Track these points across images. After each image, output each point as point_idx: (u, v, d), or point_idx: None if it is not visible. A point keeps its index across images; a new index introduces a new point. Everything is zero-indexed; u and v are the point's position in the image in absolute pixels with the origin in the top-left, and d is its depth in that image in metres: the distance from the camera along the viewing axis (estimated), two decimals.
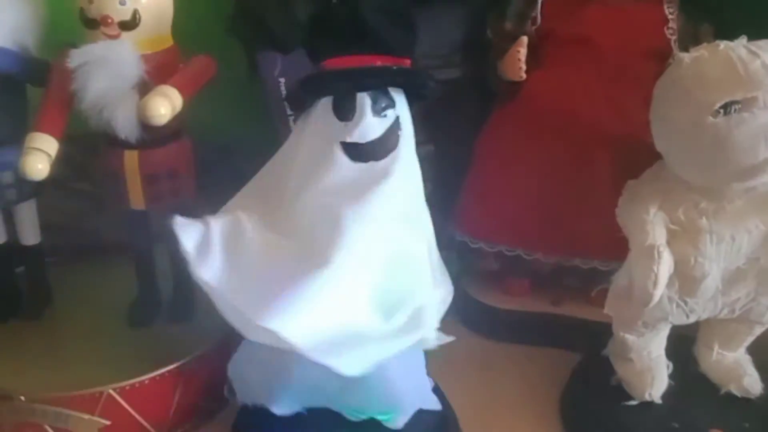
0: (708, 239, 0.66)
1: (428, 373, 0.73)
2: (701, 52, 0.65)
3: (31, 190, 0.79)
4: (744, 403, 0.75)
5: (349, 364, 0.62)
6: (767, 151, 0.62)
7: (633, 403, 0.74)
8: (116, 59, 0.70)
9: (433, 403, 0.72)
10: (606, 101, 0.82)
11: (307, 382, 0.63)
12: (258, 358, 0.66)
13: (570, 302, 0.90)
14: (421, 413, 0.71)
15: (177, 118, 0.72)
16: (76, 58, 0.70)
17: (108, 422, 0.71)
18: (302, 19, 0.81)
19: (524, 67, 0.81)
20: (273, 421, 0.71)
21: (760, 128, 0.62)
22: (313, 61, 0.67)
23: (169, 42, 0.76)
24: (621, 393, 0.75)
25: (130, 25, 0.71)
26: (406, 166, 0.67)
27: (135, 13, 0.71)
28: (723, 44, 0.64)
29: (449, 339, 0.69)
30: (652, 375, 0.74)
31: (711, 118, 0.62)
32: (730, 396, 0.75)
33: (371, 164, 0.66)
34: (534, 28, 0.85)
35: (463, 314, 0.92)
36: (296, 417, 0.71)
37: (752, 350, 0.77)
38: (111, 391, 0.71)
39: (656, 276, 0.65)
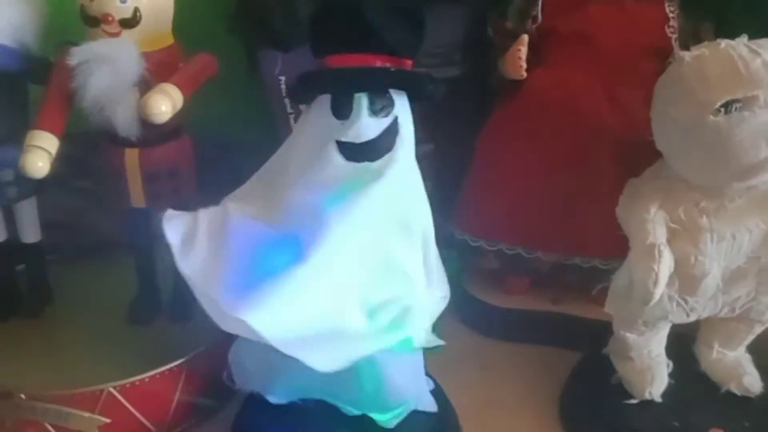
0: (708, 238, 0.66)
1: (428, 373, 0.73)
2: (702, 50, 0.65)
3: (31, 188, 0.79)
4: (744, 401, 0.75)
5: (321, 360, 0.63)
6: None
7: (633, 401, 0.74)
8: (117, 57, 0.70)
9: (430, 405, 0.72)
10: (607, 100, 0.82)
11: (304, 372, 0.63)
12: (257, 346, 0.66)
13: (570, 301, 0.90)
14: (420, 412, 0.71)
15: (178, 116, 0.72)
16: (76, 55, 0.70)
17: (108, 420, 0.71)
18: (303, 18, 0.81)
19: (525, 65, 0.81)
20: (273, 420, 0.71)
21: (760, 127, 0.62)
22: (314, 56, 0.67)
23: (170, 40, 0.76)
24: (621, 392, 0.75)
25: (130, 22, 0.71)
26: (401, 169, 0.66)
27: (136, 10, 0.71)
28: (724, 43, 0.64)
29: (439, 342, 0.69)
30: (652, 374, 0.74)
31: (712, 117, 0.62)
32: (730, 395, 0.75)
33: (365, 165, 0.66)
34: (535, 26, 0.85)
35: (462, 313, 0.92)
36: (295, 415, 0.71)
37: (752, 349, 0.77)
38: (111, 389, 0.71)
39: (657, 275, 0.65)
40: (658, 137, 0.68)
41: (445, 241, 0.76)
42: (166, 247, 0.67)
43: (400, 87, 0.66)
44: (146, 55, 0.71)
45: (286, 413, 0.71)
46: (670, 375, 0.75)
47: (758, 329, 0.74)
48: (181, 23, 0.76)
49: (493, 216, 0.86)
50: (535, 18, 0.85)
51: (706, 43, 0.66)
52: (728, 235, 0.67)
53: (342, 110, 0.65)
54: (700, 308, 0.70)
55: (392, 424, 0.69)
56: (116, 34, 0.71)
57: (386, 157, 0.66)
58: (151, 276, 0.82)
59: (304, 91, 0.69)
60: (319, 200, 0.64)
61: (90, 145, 0.77)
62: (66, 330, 0.82)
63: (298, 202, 0.65)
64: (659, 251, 0.65)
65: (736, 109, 0.62)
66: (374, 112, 0.65)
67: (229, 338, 0.70)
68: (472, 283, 0.93)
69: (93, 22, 0.71)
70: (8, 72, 0.75)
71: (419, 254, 0.68)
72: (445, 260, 0.73)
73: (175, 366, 0.74)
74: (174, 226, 0.68)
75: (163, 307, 0.83)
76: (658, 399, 0.74)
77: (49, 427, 0.71)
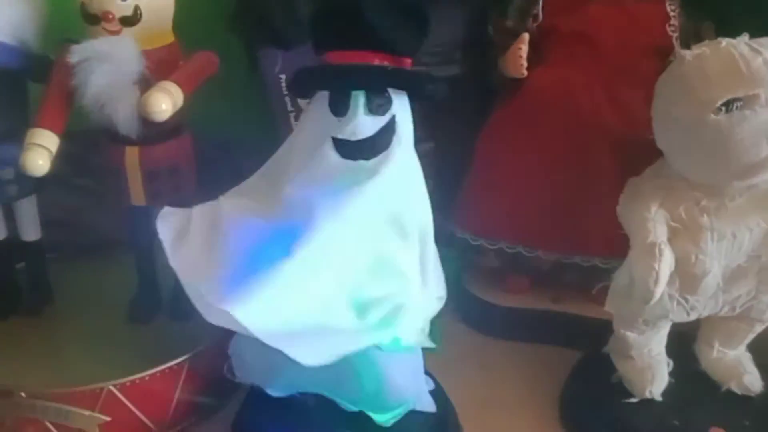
0: (709, 237, 0.66)
1: (428, 373, 0.73)
2: (703, 49, 0.65)
3: (31, 186, 0.79)
4: (744, 401, 0.75)
5: (307, 354, 0.63)
6: None
7: (633, 400, 0.75)
8: (117, 55, 0.70)
9: (429, 406, 0.71)
10: (607, 98, 0.82)
11: (303, 367, 0.63)
12: (257, 339, 0.66)
13: (570, 300, 0.89)
14: (420, 411, 0.71)
15: (178, 114, 0.71)
16: (77, 53, 0.70)
17: (108, 418, 0.71)
18: (303, 16, 0.81)
19: (525, 64, 0.81)
20: (273, 417, 0.71)
21: (761, 126, 0.62)
22: (315, 52, 0.67)
23: (171, 38, 0.76)
24: (621, 390, 0.75)
25: (131, 20, 0.71)
26: (397, 168, 0.66)
27: (136, 8, 0.71)
28: (725, 41, 0.64)
29: (430, 344, 0.69)
30: (652, 372, 0.74)
31: (713, 116, 0.62)
32: (730, 394, 0.75)
33: (360, 163, 0.65)
34: (535, 24, 0.85)
35: (463, 311, 0.92)
36: (296, 412, 0.71)
37: (753, 348, 0.77)
38: (111, 388, 0.71)
39: (657, 273, 0.64)
40: (659, 136, 0.68)
41: (445, 239, 0.76)
42: None
43: (397, 86, 0.66)
44: (146, 53, 0.71)
45: (287, 410, 0.71)
46: (671, 374, 0.75)
47: (759, 328, 0.74)
48: (182, 21, 0.76)
49: (494, 215, 0.86)
50: (535, 16, 0.85)
51: (707, 41, 0.66)
52: (729, 234, 0.67)
53: (339, 107, 0.65)
54: (701, 307, 0.70)
55: (389, 423, 0.69)
56: (116, 32, 0.71)
57: (382, 155, 0.65)
58: (151, 274, 0.82)
59: (301, 86, 0.69)
60: (312, 196, 0.64)
61: (90, 143, 0.77)
62: (66, 328, 0.82)
63: (291, 197, 0.65)
64: (660, 250, 0.65)
65: (737, 107, 0.62)
66: (371, 110, 0.65)
67: (229, 336, 0.70)
68: (473, 282, 0.93)
69: (93, 19, 0.71)
70: (8, 70, 0.74)
71: (414, 254, 0.68)
72: (445, 259, 0.73)
73: (176, 364, 0.74)
74: (167, 223, 0.68)
75: (164, 305, 0.82)
76: (658, 398, 0.74)
77: (50, 426, 0.71)
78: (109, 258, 0.90)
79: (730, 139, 0.62)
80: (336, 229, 0.63)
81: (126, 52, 0.71)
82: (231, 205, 0.69)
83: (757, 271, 0.69)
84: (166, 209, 0.70)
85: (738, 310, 0.71)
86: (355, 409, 0.69)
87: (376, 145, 0.65)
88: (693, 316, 0.71)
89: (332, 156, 0.65)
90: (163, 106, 0.69)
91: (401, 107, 0.67)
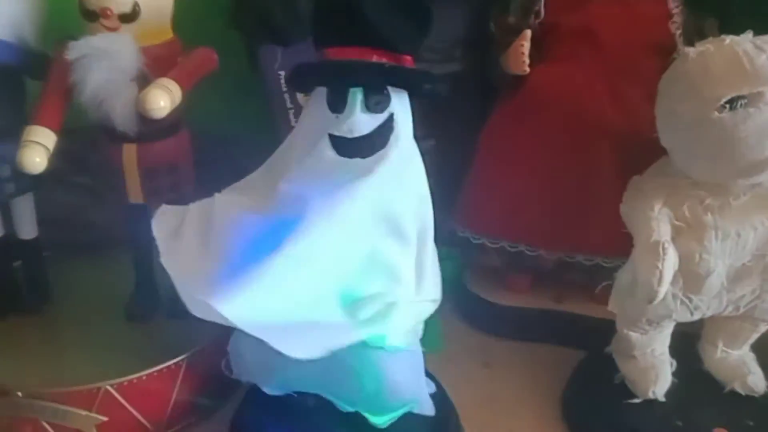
0: (713, 236, 0.66)
1: (429, 374, 0.72)
2: (707, 46, 0.65)
3: (28, 184, 0.78)
4: (748, 401, 0.75)
5: (294, 347, 0.62)
6: None
7: (636, 401, 0.74)
8: (115, 52, 0.70)
9: (429, 409, 0.71)
10: (610, 96, 0.81)
11: (300, 365, 0.63)
12: (255, 337, 0.66)
13: (572, 299, 0.89)
14: None
15: (176, 111, 0.71)
16: (75, 50, 0.70)
17: (105, 418, 0.71)
18: (303, 13, 0.81)
19: (528, 61, 0.81)
20: (272, 416, 0.71)
21: (766, 123, 0.62)
22: (315, 48, 0.66)
23: (169, 34, 0.75)
24: (624, 391, 0.75)
25: (129, 17, 0.71)
26: (393, 167, 0.65)
27: (135, 5, 0.71)
28: (729, 39, 0.64)
29: (417, 349, 0.69)
30: (655, 373, 0.74)
31: (716, 114, 0.62)
32: (734, 394, 0.75)
33: (356, 161, 0.65)
34: (537, 21, 0.84)
35: (464, 310, 0.92)
36: (295, 412, 0.71)
37: (757, 348, 0.76)
38: (108, 387, 0.71)
39: (661, 273, 0.64)
40: (662, 134, 0.68)
41: (446, 238, 0.76)
42: None
43: (395, 84, 0.65)
44: (145, 50, 0.71)
45: (286, 409, 0.71)
46: (674, 374, 0.75)
47: (763, 328, 0.74)
48: (181, 18, 0.75)
49: (495, 213, 0.86)
50: (537, 13, 0.84)
51: (710, 39, 0.66)
52: (733, 233, 0.66)
53: (336, 103, 0.64)
54: (705, 307, 0.69)
55: (385, 424, 0.69)
56: (115, 29, 0.71)
57: (378, 154, 0.65)
58: (149, 273, 0.82)
59: (300, 80, 0.69)
60: (306, 193, 0.63)
61: (88, 141, 0.77)
62: (64, 327, 0.82)
63: (286, 194, 0.65)
64: (663, 249, 0.64)
65: (741, 105, 0.62)
66: (369, 107, 0.64)
67: (228, 336, 0.70)
68: (474, 281, 0.93)
69: (92, 16, 0.71)
70: (6, 67, 0.74)
71: (411, 253, 0.68)
72: (446, 258, 0.73)
73: (173, 364, 0.73)
74: (162, 220, 0.69)
75: (162, 304, 0.82)
76: (661, 398, 0.74)
77: (47, 426, 0.70)
78: (107, 256, 0.90)
79: (734, 137, 0.62)
80: (328, 226, 0.63)
81: (124, 48, 0.70)
82: (226, 201, 0.69)
83: (762, 271, 0.68)
84: (163, 207, 0.70)
85: (742, 310, 0.70)
86: (352, 410, 0.69)
87: (374, 143, 0.65)
88: (697, 316, 0.71)
89: (328, 153, 0.65)
90: (162, 104, 0.69)
91: (400, 105, 0.66)
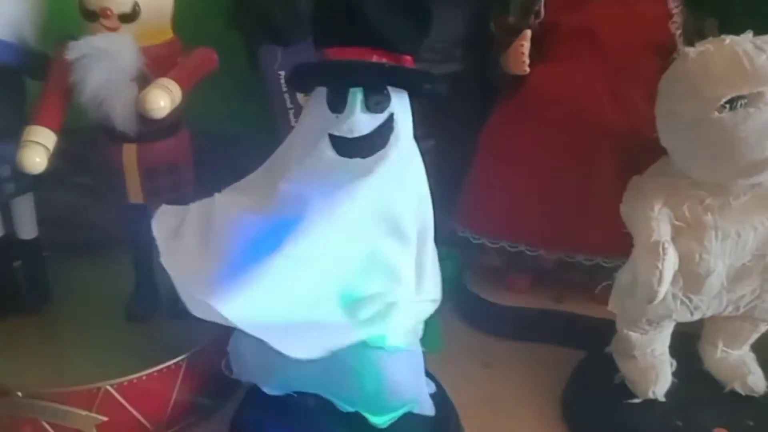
0: (713, 236, 0.66)
1: (429, 374, 0.72)
2: (707, 46, 0.65)
3: (28, 184, 0.78)
4: (748, 401, 0.75)
5: (294, 347, 0.63)
6: None
7: (636, 401, 0.74)
8: (115, 52, 0.70)
9: (429, 409, 0.71)
10: (610, 96, 0.81)
11: (300, 365, 0.63)
12: (256, 337, 0.66)
13: (572, 299, 0.89)
14: None
15: (176, 111, 0.71)
16: (75, 50, 0.70)
17: (105, 418, 0.71)
18: (303, 13, 0.81)
19: (528, 61, 0.81)
20: (272, 416, 0.71)
21: (766, 123, 0.61)
22: (315, 47, 0.66)
23: (169, 34, 0.75)
24: (624, 391, 0.75)
25: (129, 17, 0.71)
26: (393, 167, 0.65)
27: (135, 5, 0.71)
28: (729, 39, 0.64)
29: (417, 349, 0.68)
30: (655, 373, 0.74)
31: (716, 114, 0.62)
32: (734, 394, 0.75)
33: (356, 161, 0.65)
34: (537, 21, 0.84)
35: (464, 310, 0.92)
36: (295, 411, 0.71)
37: (757, 348, 0.76)
38: (108, 387, 0.70)
39: (661, 273, 0.64)
40: (662, 134, 0.68)
41: (446, 238, 0.75)
42: None
43: (394, 84, 0.65)
44: (145, 50, 0.71)
45: (286, 409, 0.71)
46: (674, 374, 0.75)
47: (763, 328, 0.74)
48: (181, 18, 0.75)
49: (495, 213, 0.86)
50: (537, 13, 0.84)
51: (710, 39, 0.66)
52: (733, 233, 0.66)
53: (336, 103, 0.64)
54: (705, 307, 0.69)
55: (385, 424, 0.69)
56: (115, 29, 0.71)
57: (378, 154, 0.65)
58: (149, 272, 0.82)
59: (300, 80, 0.69)
60: (306, 193, 0.63)
61: (88, 141, 0.77)
62: (64, 327, 0.82)
63: (286, 194, 0.65)
64: (663, 249, 0.64)
65: (741, 105, 0.61)
66: (368, 107, 0.64)
67: (228, 336, 0.70)
68: (474, 281, 0.93)
69: (92, 16, 0.71)
70: (6, 67, 0.74)
71: (411, 253, 0.68)
72: (446, 258, 0.72)
73: (173, 364, 0.73)
74: (162, 220, 0.69)
75: (162, 303, 0.82)
76: (661, 398, 0.74)
77: (47, 426, 0.70)
78: (107, 256, 0.90)
79: (734, 137, 0.62)
80: (328, 226, 0.63)
81: (124, 48, 0.70)
82: (226, 201, 0.69)
83: (762, 271, 0.68)
84: (163, 207, 0.70)
85: (742, 310, 0.70)
86: (352, 410, 0.69)
87: (373, 143, 0.65)
88: (697, 316, 0.71)
89: (328, 153, 0.65)
90: (162, 103, 0.69)
91: (400, 105, 0.66)
